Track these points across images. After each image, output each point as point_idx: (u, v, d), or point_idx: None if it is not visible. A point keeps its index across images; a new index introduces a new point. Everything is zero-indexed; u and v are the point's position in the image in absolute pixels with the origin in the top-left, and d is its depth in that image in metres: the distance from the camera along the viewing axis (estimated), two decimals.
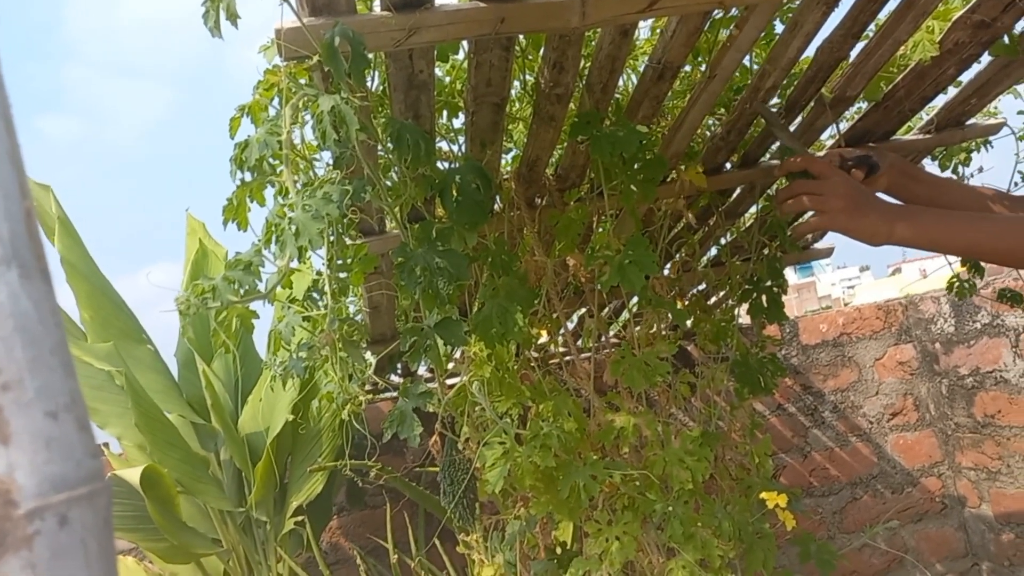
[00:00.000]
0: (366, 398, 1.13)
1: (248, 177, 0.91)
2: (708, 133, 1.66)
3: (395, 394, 2.50)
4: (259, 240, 0.89)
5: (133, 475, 1.90)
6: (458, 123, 1.44)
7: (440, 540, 2.31)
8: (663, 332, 1.50)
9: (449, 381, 1.48)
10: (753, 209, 1.96)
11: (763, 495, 1.35)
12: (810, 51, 1.32)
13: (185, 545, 1.99)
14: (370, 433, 2.57)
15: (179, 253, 2.54)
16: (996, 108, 1.72)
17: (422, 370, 2.37)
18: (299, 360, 1.03)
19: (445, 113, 1.37)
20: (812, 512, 3.04)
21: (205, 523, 2.19)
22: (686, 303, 1.86)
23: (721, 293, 2.13)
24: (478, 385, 1.06)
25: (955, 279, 2.06)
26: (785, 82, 1.44)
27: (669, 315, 1.41)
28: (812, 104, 1.54)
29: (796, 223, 1.82)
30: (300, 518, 2.09)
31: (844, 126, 1.72)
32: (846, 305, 3.79)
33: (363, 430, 1.36)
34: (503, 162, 1.52)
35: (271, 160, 0.94)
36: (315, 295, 1.07)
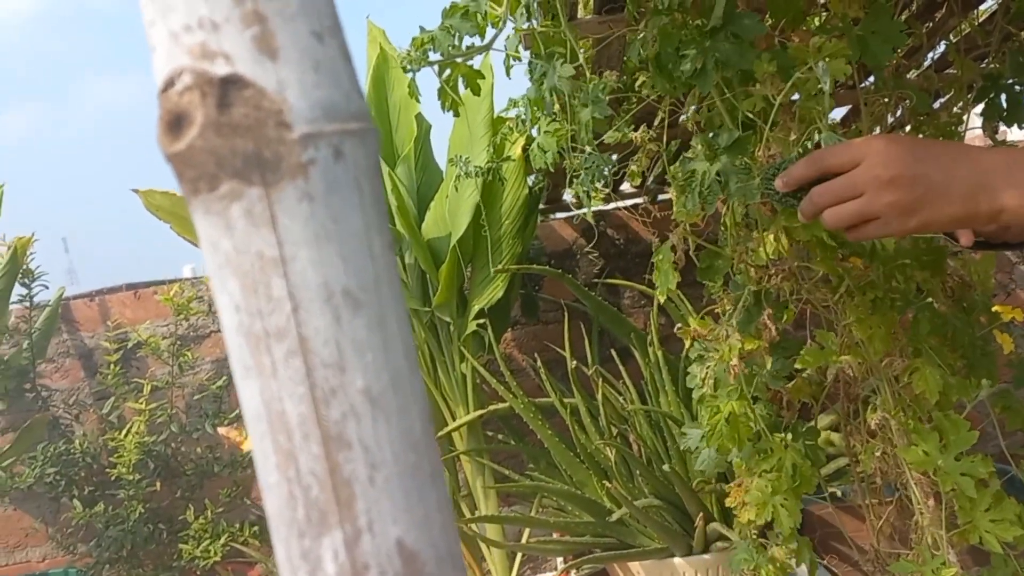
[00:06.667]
0: (606, 193, 1.08)
1: None
2: None
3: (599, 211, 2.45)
4: None
5: None
6: None
7: (617, 354, 2.31)
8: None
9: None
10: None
11: (997, 308, 1.22)
12: None
13: None
14: (546, 253, 2.57)
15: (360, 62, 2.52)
16: None
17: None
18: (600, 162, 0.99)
19: None
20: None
21: None
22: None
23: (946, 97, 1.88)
24: (823, 66, 0.93)
25: None
26: None
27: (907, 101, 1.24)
28: None
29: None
30: (482, 321, 2.12)
31: None
32: None
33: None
34: None
35: None
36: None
